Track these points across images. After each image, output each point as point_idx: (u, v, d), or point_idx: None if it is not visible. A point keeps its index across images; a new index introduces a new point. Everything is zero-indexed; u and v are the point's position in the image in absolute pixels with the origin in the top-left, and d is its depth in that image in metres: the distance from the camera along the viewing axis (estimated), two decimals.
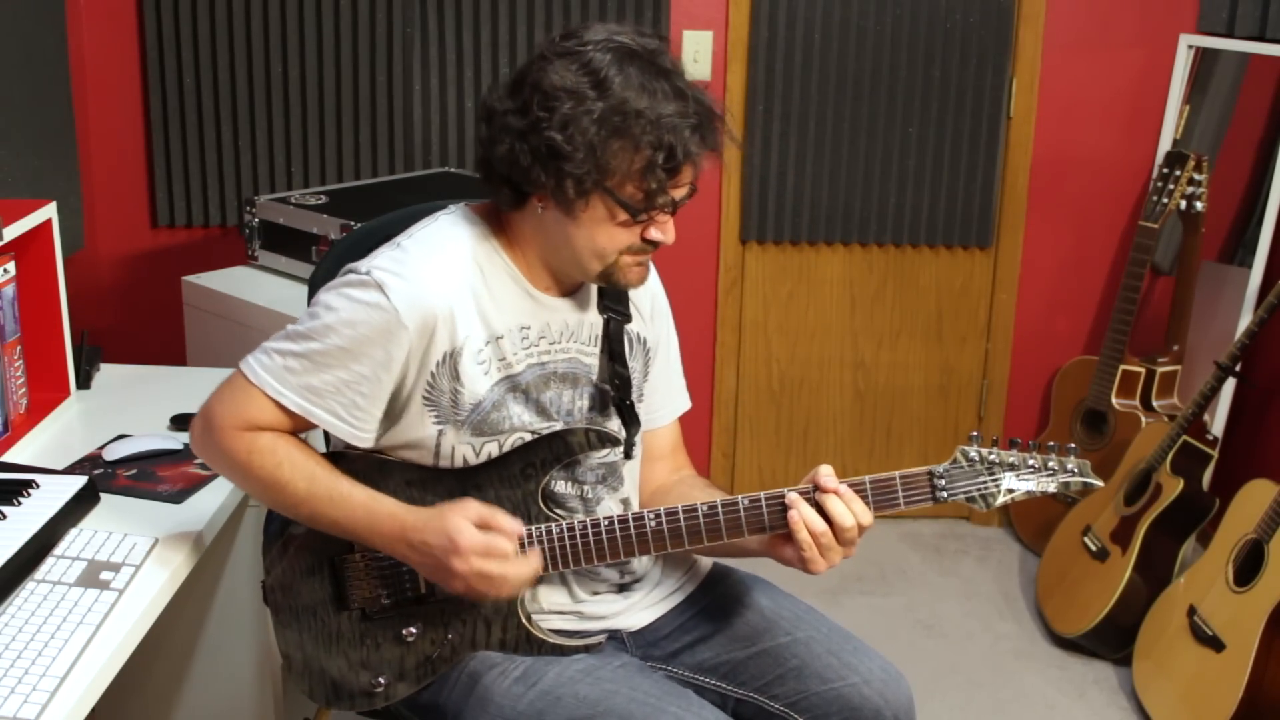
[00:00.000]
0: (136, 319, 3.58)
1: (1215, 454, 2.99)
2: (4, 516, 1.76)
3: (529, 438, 1.69)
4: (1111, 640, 3.02)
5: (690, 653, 1.79)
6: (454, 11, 3.38)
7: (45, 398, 2.23)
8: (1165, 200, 3.23)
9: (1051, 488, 1.60)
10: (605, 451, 1.75)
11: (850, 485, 1.61)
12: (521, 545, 1.63)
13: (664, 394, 1.89)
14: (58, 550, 1.73)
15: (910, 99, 3.45)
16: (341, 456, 1.71)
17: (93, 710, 1.51)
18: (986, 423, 3.72)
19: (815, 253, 3.60)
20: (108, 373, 2.42)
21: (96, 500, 1.89)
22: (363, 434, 1.66)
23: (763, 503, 1.62)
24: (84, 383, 2.34)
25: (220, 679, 2.25)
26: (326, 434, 1.88)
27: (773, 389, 3.70)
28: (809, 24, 3.40)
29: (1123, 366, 3.30)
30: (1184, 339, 3.33)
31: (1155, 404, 3.31)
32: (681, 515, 1.64)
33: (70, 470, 1.99)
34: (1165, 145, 3.44)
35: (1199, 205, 3.23)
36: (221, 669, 2.24)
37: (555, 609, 1.75)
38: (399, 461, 1.70)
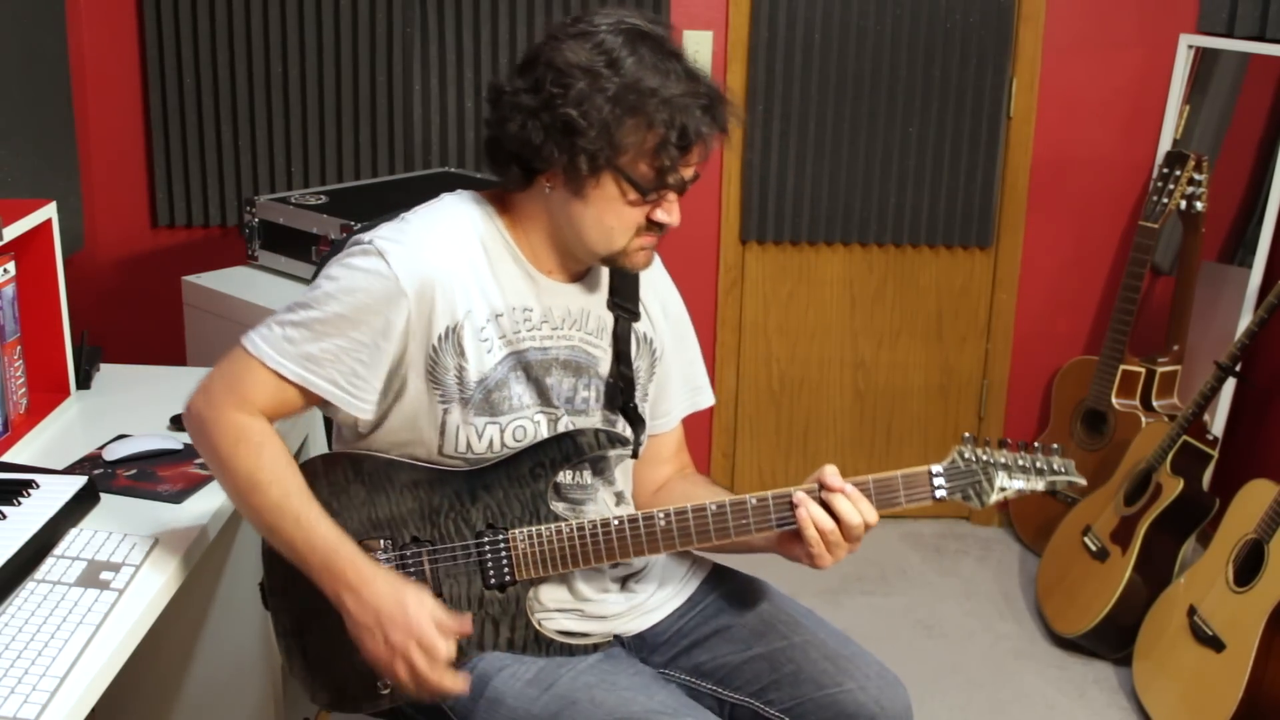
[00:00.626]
0: (136, 319, 3.58)
1: (1215, 454, 2.99)
2: (4, 516, 1.76)
3: (529, 426, 1.69)
4: (1111, 640, 3.02)
5: (687, 656, 1.79)
6: (454, 11, 3.38)
7: (45, 398, 2.23)
8: (1165, 200, 3.23)
9: (1040, 486, 1.67)
10: (615, 452, 1.75)
11: (854, 484, 1.65)
12: (460, 652, 1.63)
13: (671, 398, 1.88)
14: (58, 550, 1.73)
15: (910, 99, 3.45)
16: (349, 456, 1.70)
17: (93, 710, 1.51)
18: (986, 423, 3.72)
19: (815, 253, 3.60)
20: (108, 373, 2.41)
21: (96, 500, 1.89)
22: (362, 404, 1.65)
23: (770, 502, 1.65)
24: (84, 383, 2.34)
25: (220, 679, 2.25)
26: (329, 430, 1.88)
27: (773, 389, 3.70)
28: (809, 24, 3.40)
29: (1123, 366, 3.30)
30: (1184, 339, 3.33)
31: (1155, 404, 3.31)
32: (691, 515, 1.66)
33: (70, 470, 1.99)
34: (1165, 145, 3.44)
35: (1199, 205, 3.23)
36: (221, 669, 2.24)
37: (558, 606, 1.75)
38: (406, 462, 1.70)
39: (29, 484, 1.86)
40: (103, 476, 1.97)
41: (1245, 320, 3.13)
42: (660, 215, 1.65)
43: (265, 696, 2.25)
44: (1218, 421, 3.24)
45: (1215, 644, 2.64)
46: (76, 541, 1.75)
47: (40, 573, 1.68)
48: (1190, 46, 3.41)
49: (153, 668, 2.24)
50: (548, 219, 1.68)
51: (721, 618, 1.81)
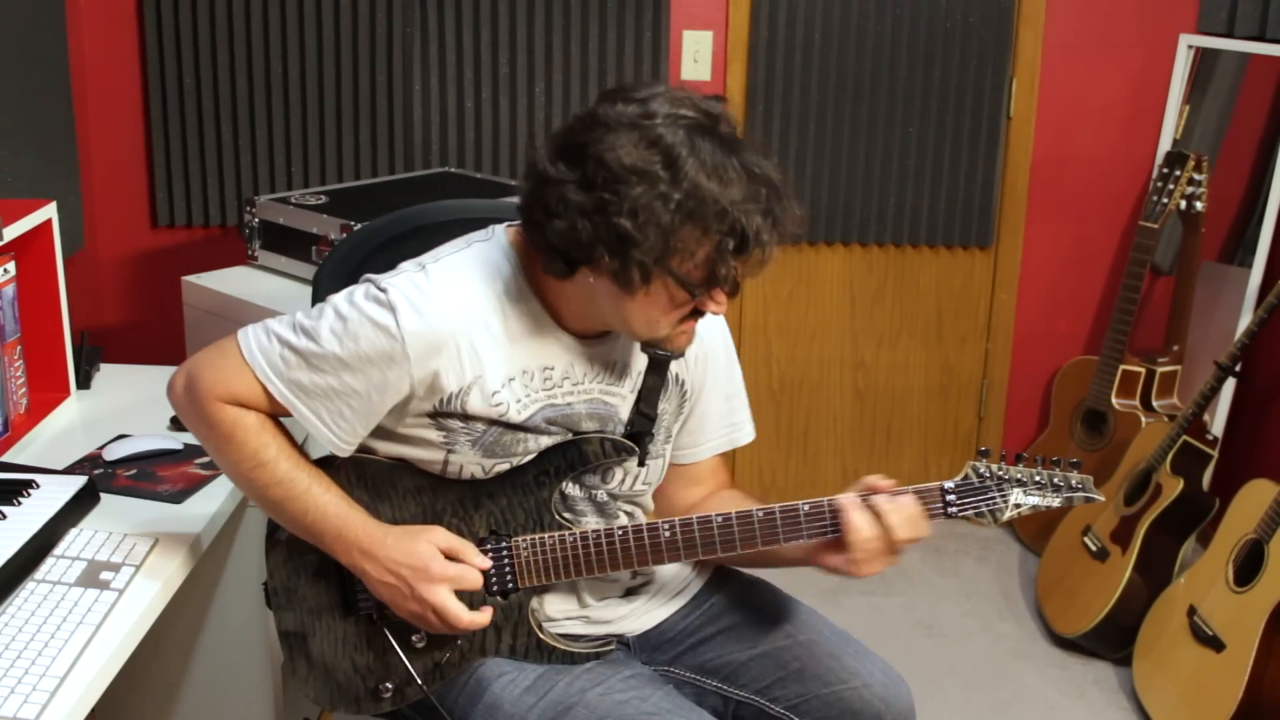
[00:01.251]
0: (136, 319, 3.58)
1: (1215, 454, 2.99)
2: (4, 516, 1.76)
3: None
4: (1111, 640, 3.02)
5: (692, 654, 1.79)
6: (454, 11, 3.38)
7: (45, 398, 2.23)
8: (1165, 200, 3.23)
9: (1056, 502, 1.63)
10: (621, 472, 1.73)
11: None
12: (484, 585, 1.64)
13: (706, 432, 1.86)
14: (58, 550, 1.73)
15: (910, 99, 3.45)
16: (352, 460, 1.69)
17: (93, 710, 1.51)
18: (986, 423, 3.72)
19: (815, 253, 3.60)
20: (108, 373, 2.41)
21: (96, 500, 1.89)
22: (341, 444, 1.64)
23: (777, 516, 1.62)
24: (84, 383, 2.34)
25: (220, 679, 2.25)
26: None
27: (773, 389, 3.70)
28: (809, 24, 3.40)
29: (1123, 366, 3.30)
30: (1184, 339, 3.33)
31: (1155, 404, 3.31)
32: (697, 527, 1.64)
33: (70, 470, 1.99)
34: (1165, 145, 3.44)
35: (1199, 205, 3.23)
36: (221, 669, 2.24)
37: (563, 614, 1.75)
38: (409, 467, 1.69)
39: (29, 484, 1.86)
40: (103, 476, 1.97)
41: (1245, 320, 3.13)
42: (709, 308, 1.58)
43: (265, 696, 2.25)
44: (1218, 421, 3.24)
45: (1215, 644, 2.64)
46: (76, 541, 1.75)
47: (40, 573, 1.68)
48: (1190, 46, 3.41)
49: (153, 668, 2.24)
50: (586, 300, 1.61)
51: (726, 616, 1.81)
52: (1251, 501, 2.71)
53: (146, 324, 3.57)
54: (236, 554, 2.18)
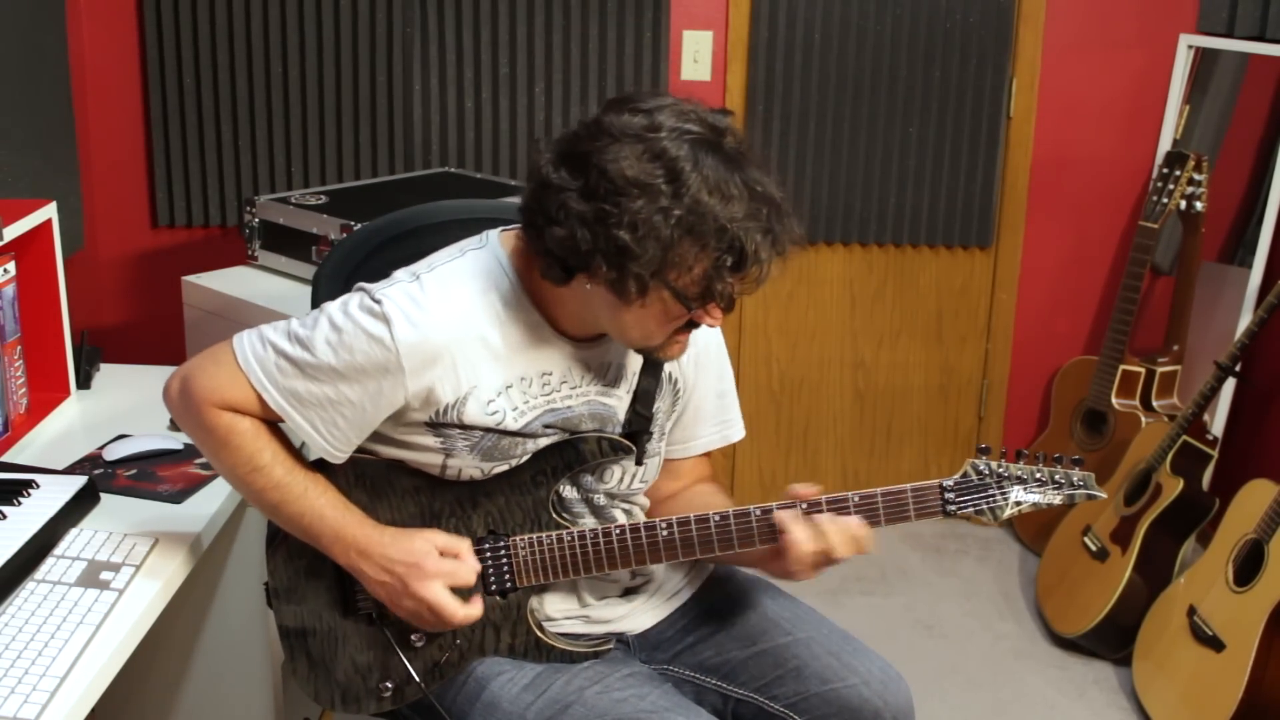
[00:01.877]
0: (136, 319, 3.58)
1: (1215, 454, 2.99)
2: (4, 516, 1.76)
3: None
4: (1111, 640, 3.02)
5: (692, 653, 1.79)
6: (454, 11, 3.38)
7: (45, 398, 2.23)
8: (1165, 200, 3.23)
9: (1057, 500, 1.63)
10: (619, 471, 1.74)
11: (862, 498, 1.63)
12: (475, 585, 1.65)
13: (698, 428, 1.86)
14: (58, 550, 1.73)
15: (910, 99, 3.45)
16: (350, 461, 1.69)
17: (93, 710, 1.51)
18: (986, 423, 3.72)
19: (815, 253, 3.60)
20: (108, 373, 2.42)
21: (96, 500, 1.89)
22: (335, 451, 1.64)
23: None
24: (84, 383, 2.34)
25: (220, 679, 2.25)
26: None
27: (773, 389, 3.70)
28: (809, 24, 3.40)
29: (1123, 366, 3.30)
30: (1184, 339, 3.33)
31: (1155, 404, 3.31)
32: (694, 525, 1.65)
33: (70, 470, 1.99)
34: (1165, 145, 3.44)
35: (1199, 205, 3.23)
36: (221, 669, 2.24)
37: (563, 614, 1.75)
38: (407, 468, 1.69)
39: (29, 484, 1.86)
40: (103, 476, 1.97)
41: (1245, 320, 3.13)
42: (705, 321, 1.59)
43: (265, 696, 2.25)
44: (1218, 421, 3.24)
45: (1215, 644, 2.64)
46: (76, 541, 1.75)
47: (40, 573, 1.68)
48: (1190, 46, 3.41)
49: (153, 668, 2.24)
50: (581, 304, 1.61)
51: (725, 615, 1.81)
52: (1251, 501, 2.71)
53: (146, 324, 3.57)
54: (236, 554, 2.18)
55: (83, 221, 3.25)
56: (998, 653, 3.12)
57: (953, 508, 1.62)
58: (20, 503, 1.80)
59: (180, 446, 2.06)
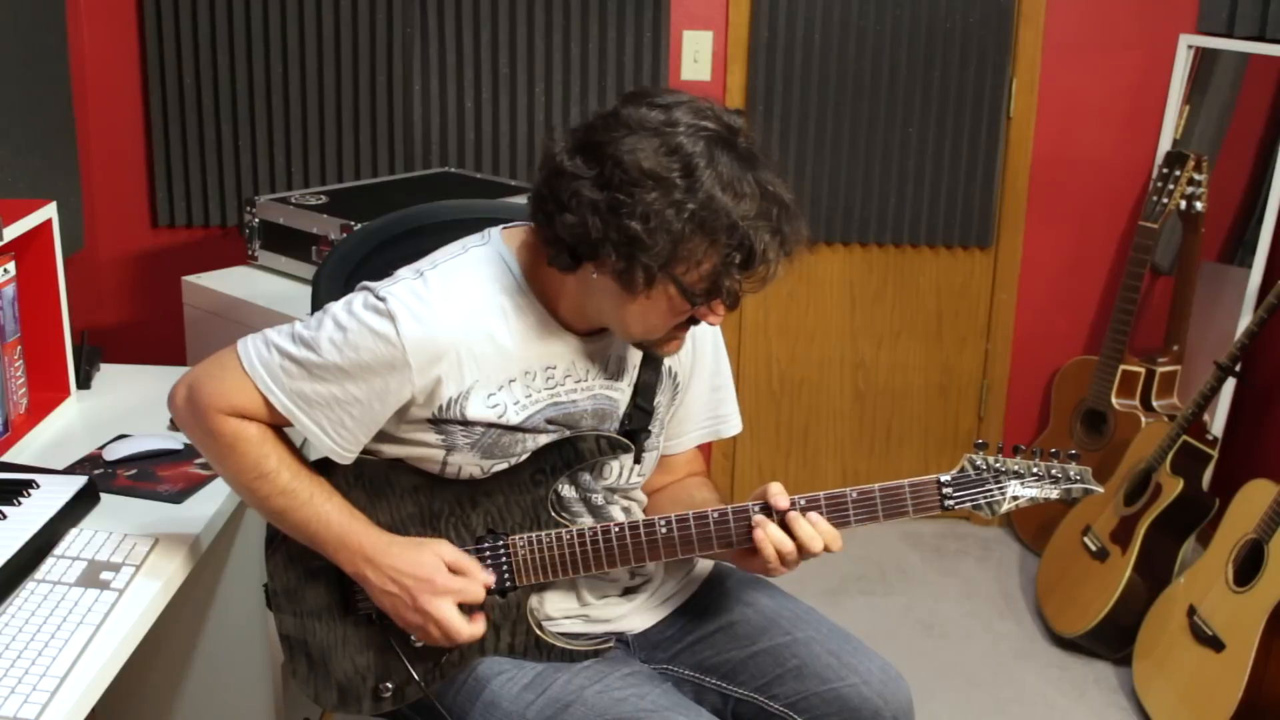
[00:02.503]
0: (136, 319, 3.58)
1: (1215, 454, 2.99)
2: (4, 516, 1.76)
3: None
4: (1111, 640, 3.02)
5: (691, 652, 1.80)
6: (454, 11, 3.38)
7: (45, 398, 2.23)
8: (1165, 200, 3.23)
9: (1054, 494, 1.64)
10: (617, 466, 1.74)
11: (860, 494, 1.63)
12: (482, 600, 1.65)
13: (689, 422, 1.87)
14: (58, 550, 1.73)
15: (910, 99, 3.45)
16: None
17: (93, 710, 1.51)
18: (986, 423, 3.72)
19: (815, 253, 3.60)
20: (108, 373, 2.42)
21: (96, 500, 1.89)
22: (343, 451, 1.64)
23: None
24: (84, 383, 2.34)
25: (220, 679, 2.25)
26: None
27: (773, 389, 3.70)
28: (809, 24, 3.40)
29: (1123, 366, 3.30)
30: (1184, 339, 3.33)
31: (1155, 404, 3.31)
32: (693, 522, 1.65)
33: (70, 470, 1.99)
34: (1165, 145, 3.44)
35: (1199, 205, 3.23)
36: (221, 669, 2.24)
37: (563, 613, 1.75)
38: (406, 466, 1.69)
39: (29, 484, 1.86)
40: (103, 476, 1.97)
41: (1245, 320, 3.13)
42: (708, 318, 1.60)
43: (265, 696, 2.26)
44: (1217, 421, 3.24)
45: (1215, 644, 2.64)
46: (76, 541, 1.75)
47: (40, 573, 1.68)
48: (1190, 46, 3.41)
49: (153, 668, 2.25)
50: (584, 294, 1.61)
51: (725, 615, 1.81)
52: (1251, 501, 2.71)
53: (146, 324, 3.57)
54: (236, 554, 2.18)
55: (83, 221, 3.25)
56: (998, 653, 3.12)
57: (950, 502, 1.63)
58: (20, 503, 1.80)
59: (180, 446, 2.06)
